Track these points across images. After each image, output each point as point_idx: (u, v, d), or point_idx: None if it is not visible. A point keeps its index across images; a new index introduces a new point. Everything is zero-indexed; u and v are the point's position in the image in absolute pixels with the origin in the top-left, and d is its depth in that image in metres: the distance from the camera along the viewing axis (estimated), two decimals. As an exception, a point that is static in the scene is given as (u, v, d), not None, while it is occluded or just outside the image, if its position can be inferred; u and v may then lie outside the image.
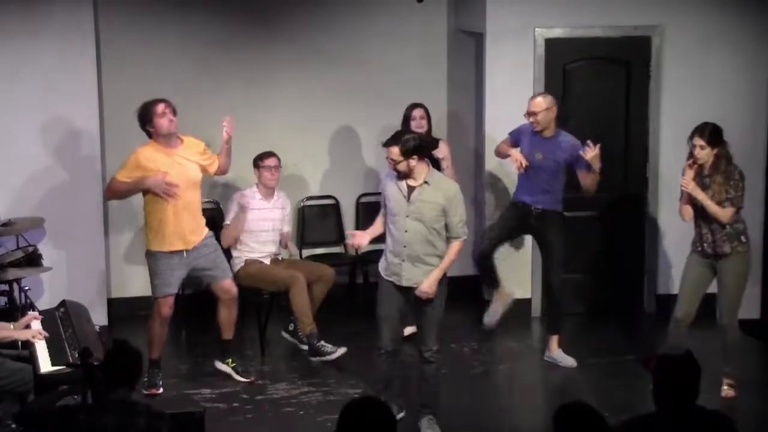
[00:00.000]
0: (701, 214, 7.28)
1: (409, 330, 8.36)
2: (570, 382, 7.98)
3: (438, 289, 6.78)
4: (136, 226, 9.16)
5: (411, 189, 6.73)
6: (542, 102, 7.94)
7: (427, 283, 6.72)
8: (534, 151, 7.95)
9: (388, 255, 6.87)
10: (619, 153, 9.17)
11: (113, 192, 7.66)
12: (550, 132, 7.96)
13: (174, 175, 7.41)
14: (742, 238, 7.29)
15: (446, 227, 6.74)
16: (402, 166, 6.69)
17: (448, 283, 6.91)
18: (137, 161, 7.45)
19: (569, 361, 8.16)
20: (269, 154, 8.42)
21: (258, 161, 8.42)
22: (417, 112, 8.51)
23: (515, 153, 7.99)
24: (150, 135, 7.49)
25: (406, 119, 8.51)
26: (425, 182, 6.72)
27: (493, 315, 8.25)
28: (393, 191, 6.80)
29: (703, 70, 9.16)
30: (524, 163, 7.91)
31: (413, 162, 6.69)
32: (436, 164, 8.28)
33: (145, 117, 7.47)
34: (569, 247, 8.54)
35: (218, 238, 8.00)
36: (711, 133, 7.19)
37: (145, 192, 7.48)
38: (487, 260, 8.28)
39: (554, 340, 8.25)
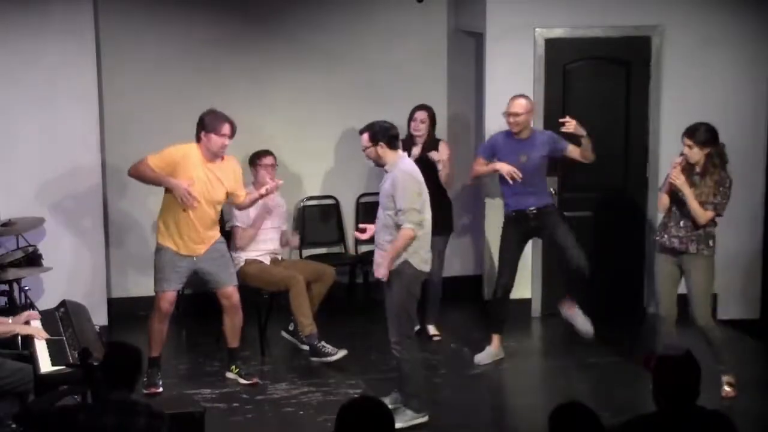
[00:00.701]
0: (678, 209, 7.29)
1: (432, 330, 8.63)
2: (570, 382, 7.98)
3: (394, 278, 6.89)
4: (137, 227, 9.17)
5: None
6: (525, 103, 8.00)
7: (377, 266, 6.96)
8: (518, 155, 7.98)
9: None
10: (619, 153, 9.17)
11: (138, 173, 7.53)
12: (527, 133, 8.02)
13: (199, 188, 7.41)
14: (710, 242, 7.31)
15: None
16: (370, 152, 7.01)
17: (408, 277, 6.92)
18: (174, 158, 7.42)
19: (587, 326, 8.15)
20: (266, 153, 8.45)
21: (255, 159, 8.44)
22: (419, 114, 8.51)
23: (504, 166, 7.96)
24: (198, 139, 7.48)
25: (409, 120, 8.53)
26: (386, 171, 7.01)
27: (483, 358, 8.26)
28: None
29: (703, 70, 9.16)
30: (517, 173, 7.91)
31: (380, 149, 6.94)
32: (433, 166, 8.31)
33: (207, 126, 7.44)
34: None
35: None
36: (701, 133, 7.19)
37: (167, 188, 7.49)
38: (503, 304, 8.26)
39: (573, 302, 8.22)
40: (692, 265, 7.33)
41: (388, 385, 7.31)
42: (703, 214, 7.20)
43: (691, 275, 7.36)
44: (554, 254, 8.53)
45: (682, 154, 7.27)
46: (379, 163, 7.03)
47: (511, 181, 7.94)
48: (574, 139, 8.09)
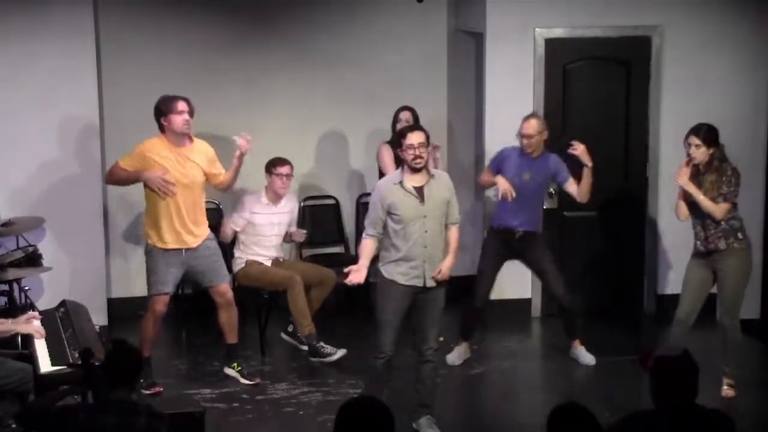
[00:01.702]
0: (695, 211, 7.29)
1: None
2: (569, 382, 7.99)
3: (441, 283, 6.76)
4: (136, 226, 9.17)
5: (418, 188, 6.63)
6: (536, 125, 7.96)
7: (446, 267, 6.67)
8: (522, 172, 7.95)
9: (400, 263, 6.65)
10: (619, 153, 9.17)
11: (112, 177, 7.67)
12: (538, 153, 7.98)
13: (174, 174, 7.42)
14: (739, 234, 7.28)
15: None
16: (426, 154, 6.61)
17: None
18: (141, 152, 7.47)
19: (587, 359, 8.18)
20: (283, 162, 8.35)
21: (270, 167, 8.34)
22: (404, 115, 8.48)
23: (502, 182, 7.93)
24: (162, 128, 7.49)
25: (394, 122, 8.52)
26: (431, 177, 6.67)
27: (454, 359, 8.26)
28: (399, 197, 6.60)
29: (703, 70, 9.16)
30: (512, 193, 7.86)
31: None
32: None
33: (163, 110, 7.46)
34: (569, 246, 8.56)
35: (218, 233, 8.04)
36: (706, 132, 7.22)
37: (145, 184, 7.49)
38: (477, 315, 8.27)
39: (575, 342, 8.28)
40: (725, 262, 7.29)
41: (388, 386, 7.29)
42: (716, 208, 7.20)
43: (724, 271, 7.30)
44: (553, 253, 8.54)
45: (688, 156, 7.26)
46: (423, 167, 6.60)
47: (500, 196, 7.93)
48: (576, 167, 8.03)
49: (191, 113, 7.49)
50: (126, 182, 7.68)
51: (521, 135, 7.96)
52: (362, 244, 6.82)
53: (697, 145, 7.22)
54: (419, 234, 6.61)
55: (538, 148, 7.97)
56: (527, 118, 8.03)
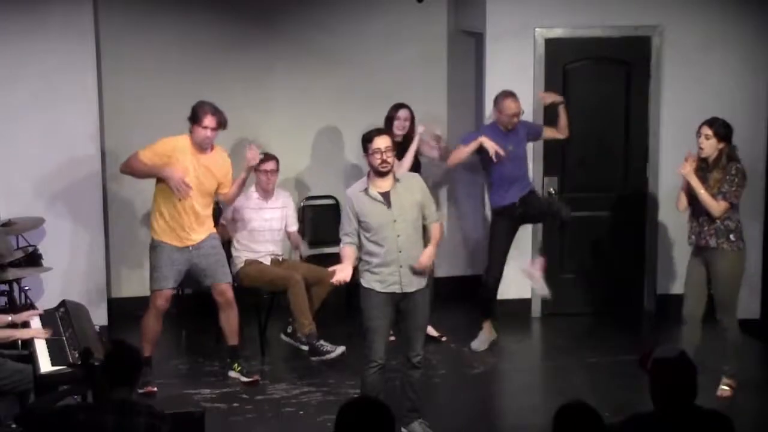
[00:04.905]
0: (694, 205, 7.29)
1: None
2: (570, 381, 7.98)
3: (427, 287, 6.74)
4: (136, 227, 9.17)
5: (384, 194, 6.59)
6: (518, 102, 8.23)
7: (425, 256, 6.58)
8: (506, 145, 8.12)
9: (377, 270, 6.60)
10: (619, 153, 9.17)
11: (131, 168, 7.66)
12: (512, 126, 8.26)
13: (191, 178, 7.46)
14: (731, 236, 7.25)
15: (423, 218, 6.70)
16: (392, 158, 6.61)
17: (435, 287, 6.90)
18: (167, 150, 7.51)
19: (543, 290, 8.43)
20: (268, 158, 8.38)
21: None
22: (402, 113, 8.48)
23: (488, 142, 8.05)
24: (190, 130, 7.56)
25: (390, 119, 8.49)
26: (397, 181, 6.64)
27: (479, 344, 8.38)
28: (368, 205, 6.58)
29: (703, 70, 9.16)
30: (500, 150, 8.04)
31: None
32: (418, 164, 8.45)
33: (193, 117, 7.52)
34: (568, 246, 8.57)
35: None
36: (720, 126, 7.22)
37: (159, 179, 7.51)
38: (493, 290, 8.38)
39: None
40: (714, 260, 7.29)
41: (387, 386, 7.27)
42: (715, 206, 7.18)
43: (715, 270, 7.31)
44: (554, 253, 8.59)
45: (700, 149, 7.25)
46: (390, 170, 6.61)
47: (495, 158, 8.03)
48: (551, 119, 8.36)
49: (220, 126, 7.53)
50: (142, 175, 7.70)
51: (509, 114, 8.18)
52: (342, 251, 6.72)
53: (707, 136, 7.21)
54: (392, 239, 6.56)
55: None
56: (510, 96, 8.23)
